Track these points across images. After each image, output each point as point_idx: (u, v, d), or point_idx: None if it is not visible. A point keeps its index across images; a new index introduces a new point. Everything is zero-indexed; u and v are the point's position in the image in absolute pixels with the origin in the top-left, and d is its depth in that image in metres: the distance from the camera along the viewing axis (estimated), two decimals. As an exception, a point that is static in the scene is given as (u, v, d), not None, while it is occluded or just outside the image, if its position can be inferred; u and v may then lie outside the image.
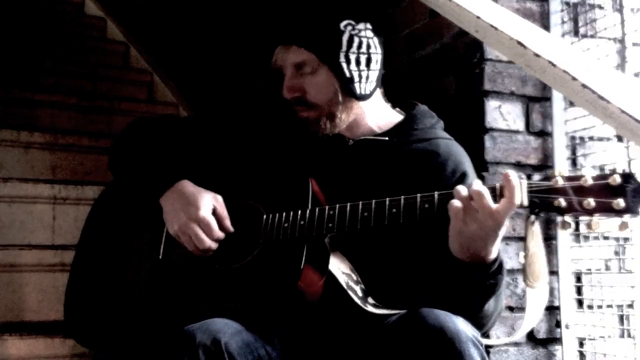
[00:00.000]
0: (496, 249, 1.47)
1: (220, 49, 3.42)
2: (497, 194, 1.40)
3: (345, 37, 1.72)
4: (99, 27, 4.31)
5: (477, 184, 1.41)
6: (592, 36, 2.08)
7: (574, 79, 1.28)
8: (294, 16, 1.75)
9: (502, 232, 1.43)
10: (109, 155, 1.95)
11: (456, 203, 1.41)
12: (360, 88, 1.73)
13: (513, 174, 1.39)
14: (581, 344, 2.00)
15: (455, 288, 1.50)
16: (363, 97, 1.74)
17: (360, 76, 1.72)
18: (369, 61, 1.74)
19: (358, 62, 1.72)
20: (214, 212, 1.71)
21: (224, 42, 3.39)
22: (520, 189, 1.38)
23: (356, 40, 1.72)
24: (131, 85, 3.91)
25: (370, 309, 1.55)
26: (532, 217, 1.41)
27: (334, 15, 1.73)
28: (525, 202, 1.38)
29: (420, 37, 2.27)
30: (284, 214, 1.63)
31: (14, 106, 3.31)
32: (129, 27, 4.24)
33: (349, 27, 1.72)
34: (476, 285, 1.48)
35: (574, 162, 2.05)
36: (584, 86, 1.27)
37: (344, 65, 1.71)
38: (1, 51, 3.59)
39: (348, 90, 1.72)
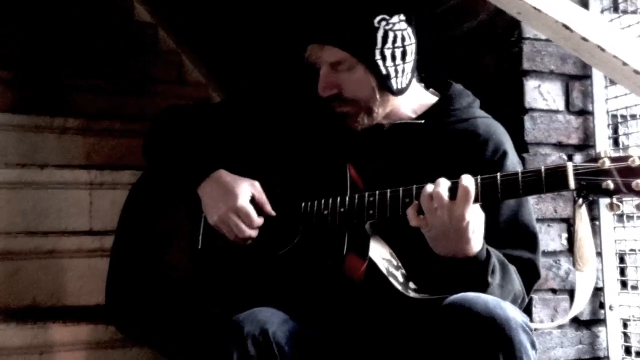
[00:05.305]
0: (471, 247, 1.45)
1: (251, 29, 3.40)
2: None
3: (380, 34, 1.67)
4: (124, 9, 4.29)
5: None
6: (633, 12, 2.02)
7: (624, 64, 1.24)
8: (328, 14, 1.70)
9: (470, 232, 1.42)
10: (143, 143, 1.94)
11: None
12: (396, 83, 1.70)
13: (467, 178, 1.41)
14: (625, 325, 1.99)
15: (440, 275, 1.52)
16: (400, 92, 1.72)
17: (396, 71, 1.69)
18: (404, 54, 1.70)
19: (394, 57, 1.69)
20: (253, 200, 1.71)
21: (254, 21, 3.36)
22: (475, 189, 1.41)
23: (391, 35, 1.68)
24: (160, 67, 3.87)
25: (411, 294, 1.55)
26: (580, 200, 1.39)
27: (367, 11, 1.68)
28: (572, 185, 1.36)
29: (456, 14, 2.23)
30: (323, 201, 1.62)
31: (46, 92, 3.31)
32: (156, 8, 4.22)
33: (383, 23, 1.67)
34: (454, 276, 1.49)
35: (615, 142, 2.02)
36: (636, 72, 1.23)
37: (380, 62, 1.68)
38: (31, 37, 3.60)
39: (385, 87, 1.70)
